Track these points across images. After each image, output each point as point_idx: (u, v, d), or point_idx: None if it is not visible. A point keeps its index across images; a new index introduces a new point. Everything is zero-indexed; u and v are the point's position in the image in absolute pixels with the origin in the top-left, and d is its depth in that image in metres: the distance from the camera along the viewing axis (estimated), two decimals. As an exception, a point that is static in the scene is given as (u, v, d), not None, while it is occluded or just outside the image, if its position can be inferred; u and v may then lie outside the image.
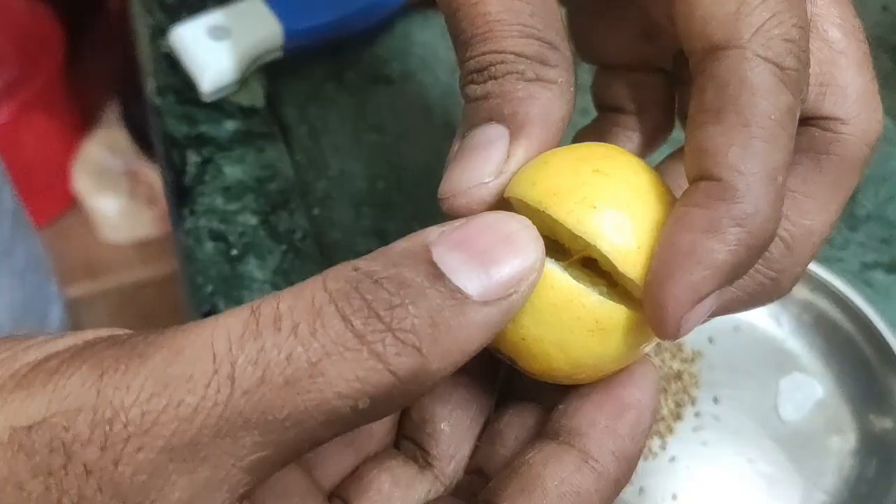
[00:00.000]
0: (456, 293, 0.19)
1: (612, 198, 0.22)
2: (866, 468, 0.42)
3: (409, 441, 0.26)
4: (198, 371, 0.18)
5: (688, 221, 0.21)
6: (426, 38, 0.56)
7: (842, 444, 0.43)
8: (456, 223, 0.20)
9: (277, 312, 0.18)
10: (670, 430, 0.43)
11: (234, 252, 0.45)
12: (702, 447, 0.43)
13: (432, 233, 0.20)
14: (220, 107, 0.50)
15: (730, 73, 0.21)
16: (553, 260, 0.22)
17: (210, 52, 0.49)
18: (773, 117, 0.21)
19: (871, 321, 0.44)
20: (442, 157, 0.56)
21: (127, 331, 0.21)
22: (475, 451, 0.26)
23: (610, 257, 0.22)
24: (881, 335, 0.43)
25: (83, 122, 1.36)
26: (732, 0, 0.22)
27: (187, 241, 0.45)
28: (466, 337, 0.19)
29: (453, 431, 0.25)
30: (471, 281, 0.19)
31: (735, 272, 0.21)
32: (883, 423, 0.43)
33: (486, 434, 0.26)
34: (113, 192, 1.33)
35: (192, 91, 0.50)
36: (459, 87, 0.25)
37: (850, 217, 0.51)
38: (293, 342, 0.18)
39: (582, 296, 0.22)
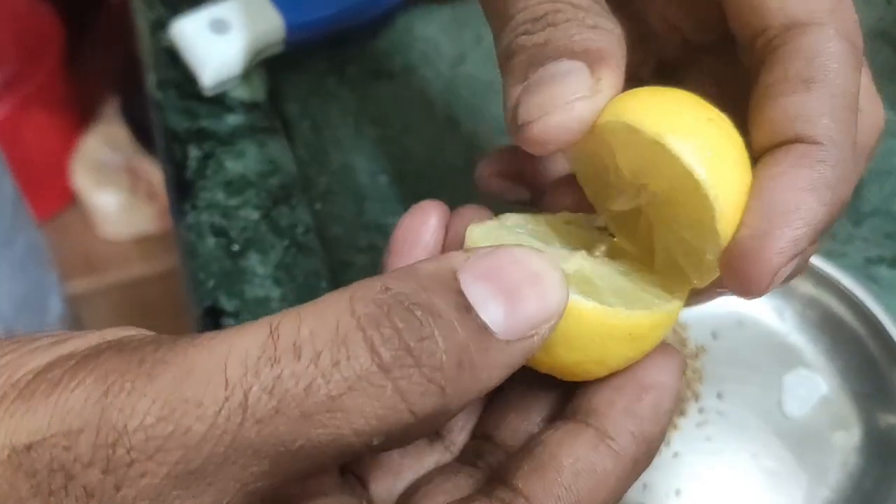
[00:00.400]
0: (482, 329, 0.18)
1: (725, 151, 0.23)
2: (871, 464, 0.42)
3: None
4: (208, 397, 0.17)
5: (790, 179, 0.22)
6: (428, 32, 0.56)
7: (846, 439, 0.43)
8: (481, 251, 0.19)
9: (298, 336, 0.18)
10: (674, 425, 0.43)
11: (236, 247, 0.45)
12: (706, 443, 0.43)
13: (458, 258, 0.19)
14: (221, 101, 0.50)
15: (818, 47, 0.23)
16: (575, 290, 0.22)
17: (211, 46, 0.49)
18: (852, 91, 0.23)
19: (875, 316, 0.44)
20: (444, 152, 0.55)
21: (137, 331, 0.20)
22: (481, 416, 0.26)
23: (716, 209, 0.22)
24: (885, 330, 0.43)
25: (83, 117, 1.35)
26: None
27: (189, 237, 0.45)
28: (487, 377, 0.19)
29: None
30: (496, 317, 0.18)
31: (822, 233, 0.22)
32: (888, 419, 0.42)
33: (494, 400, 0.26)
34: (113, 188, 1.33)
35: (193, 85, 0.50)
36: (504, 43, 0.24)
37: (854, 212, 0.51)
38: (313, 372, 0.17)
39: (610, 317, 0.22)
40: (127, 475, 0.17)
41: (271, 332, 0.18)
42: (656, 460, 0.42)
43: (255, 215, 0.46)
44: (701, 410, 0.44)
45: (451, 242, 0.26)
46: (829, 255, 0.48)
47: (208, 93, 0.49)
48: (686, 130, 0.22)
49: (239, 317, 0.43)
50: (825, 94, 0.22)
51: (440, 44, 0.55)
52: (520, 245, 0.20)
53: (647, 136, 0.22)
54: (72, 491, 0.17)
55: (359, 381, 0.17)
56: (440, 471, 0.25)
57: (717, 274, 0.24)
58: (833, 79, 0.22)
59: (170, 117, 0.49)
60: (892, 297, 0.47)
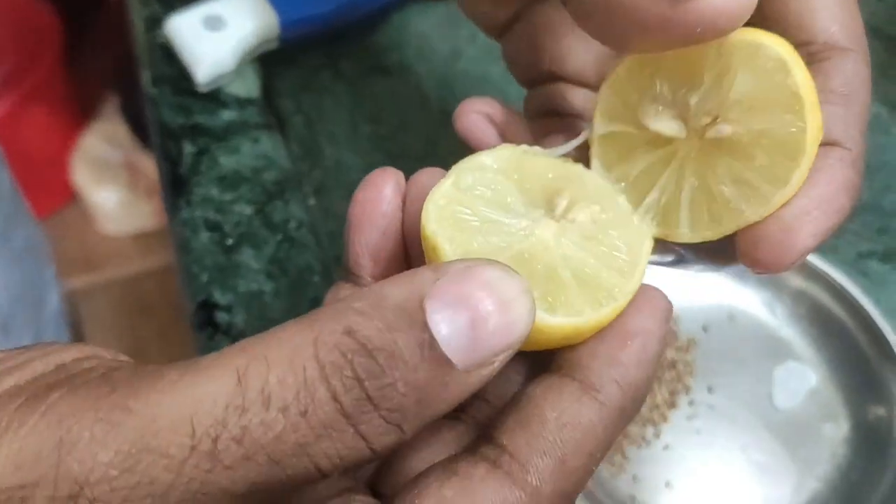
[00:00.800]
0: (443, 364, 0.19)
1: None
2: (859, 455, 0.42)
3: None
4: (174, 446, 0.17)
5: (832, 175, 0.24)
6: (423, 28, 0.56)
7: (835, 431, 0.43)
8: (452, 270, 0.19)
9: (266, 384, 0.18)
10: (664, 418, 0.43)
11: (230, 242, 0.45)
12: (696, 435, 0.43)
13: (427, 280, 0.19)
14: (215, 97, 0.50)
15: (854, 69, 0.25)
16: (540, 300, 0.22)
17: (205, 43, 0.49)
18: (868, 110, 0.25)
19: (864, 310, 0.44)
20: (438, 147, 0.56)
21: (83, 353, 0.20)
22: None
23: (793, 180, 0.23)
24: (875, 324, 0.43)
25: (82, 114, 1.36)
26: (847, 6, 0.25)
27: (183, 232, 0.46)
28: (445, 406, 0.19)
29: None
30: (459, 349, 0.19)
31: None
32: (876, 411, 0.43)
33: None
34: (112, 185, 1.34)
35: (188, 81, 0.50)
36: None
37: (845, 206, 0.51)
38: (282, 421, 0.18)
39: (576, 329, 0.23)
40: None
41: (239, 380, 0.18)
42: (646, 452, 0.43)
43: (248, 210, 0.46)
44: (691, 403, 0.44)
45: (410, 211, 0.27)
46: (821, 250, 0.48)
47: (203, 89, 0.50)
48: (817, 101, 0.23)
49: (232, 311, 0.43)
50: (857, 111, 0.25)
51: (435, 40, 0.56)
52: (493, 262, 0.20)
53: (792, 83, 0.23)
54: None
55: (324, 428, 0.18)
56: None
57: (715, 237, 0.25)
58: (862, 99, 0.25)
59: (164, 113, 0.49)
60: (883, 291, 0.48)
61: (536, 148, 0.26)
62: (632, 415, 0.22)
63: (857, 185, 0.24)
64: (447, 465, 0.21)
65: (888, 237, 0.50)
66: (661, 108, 0.25)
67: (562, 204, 0.25)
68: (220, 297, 0.44)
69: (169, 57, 0.51)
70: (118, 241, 1.36)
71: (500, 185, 0.25)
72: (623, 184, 0.26)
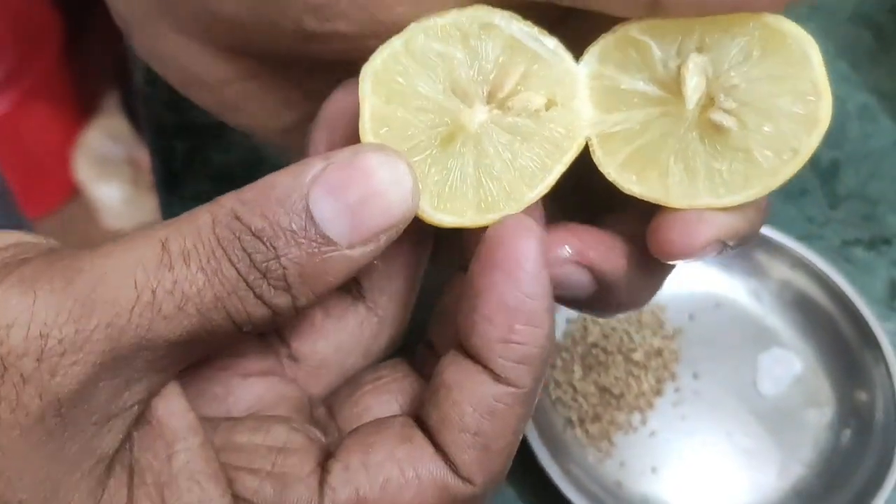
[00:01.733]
0: (325, 242, 0.21)
1: None
2: (842, 440, 0.43)
3: None
4: (122, 297, 0.20)
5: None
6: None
7: (819, 417, 0.44)
8: (342, 154, 0.21)
9: (185, 250, 0.21)
10: (650, 405, 0.44)
11: (223, 236, 0.46)
12: (681, 421, 0.44)
13: (317, 168, 0.21)
14: (207, 94, 0.51)
15: None
16: (431, 195, 0.24)
17: (197, 40, 0.50)
18: None
19: (848, 297, 0.44)
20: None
21: (19, 237, 0.22)
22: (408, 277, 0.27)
23: (730, 201, 0.23)
24: (858, 311, 0.44)
25: (83, 109, 1.36)
26: None
27: (176, 227, 0.46)
28: (331, 278, 0.22)
29: (386, 265, 0.27)
30: (341, 231, 0.21)
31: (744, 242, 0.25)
32: (859, 397, 0.43)
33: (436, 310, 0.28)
34: (115, 180, 1.34)
35: (181, 79, 0.51)
36: None
37: (831, 195, 0.51)
38: (201, 277, 0.21)
39: (460, 226, 0.24)
40: (60, 363, 0.20)
41: (163, 246, 0.21)
42: (633, 438, 0.44)
43: (241, 205, 0.47)
44: (677, 390, 0.45)
45: None
46: (806, 238, 0.49)
47: (195, 86, 0.50)
48: (806, 161, 0.23)
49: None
50: None
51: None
52: (381, 147, 0.22)
53: (805, 143, 0.23)
54: (8, 379, 0.19)
55: (232, 287, 0.21)
56: (391, 369, 0.27)
57: (629, 192, 0.24)
58: None
59: (157, 110, 0.50)
60: (868, 278, 0.48)
61: (510, 13, 0.24)
62: (541, 382, 0.24)
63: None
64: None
65: (873, 224, 0.50)
66: (709, 67, 0.23)
67: (505, 87, 0.24)
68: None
69: (161, 55, 0.51)
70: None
71: (452, 53, 0.23)
72: (598, 83, 0.24)
